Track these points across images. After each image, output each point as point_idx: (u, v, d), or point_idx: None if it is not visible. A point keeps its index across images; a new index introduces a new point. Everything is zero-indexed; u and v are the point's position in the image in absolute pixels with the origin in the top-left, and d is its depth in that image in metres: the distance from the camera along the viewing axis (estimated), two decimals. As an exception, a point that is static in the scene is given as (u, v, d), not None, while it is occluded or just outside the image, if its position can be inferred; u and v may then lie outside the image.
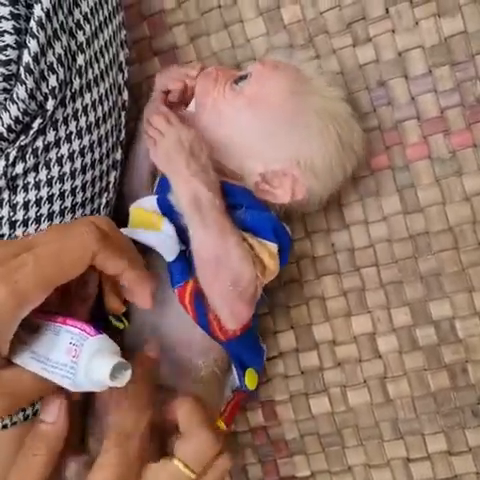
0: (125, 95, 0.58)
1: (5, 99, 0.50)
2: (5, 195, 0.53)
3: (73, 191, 0.54)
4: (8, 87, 0.49)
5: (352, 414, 0.61)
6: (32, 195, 0.53)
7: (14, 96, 0.49)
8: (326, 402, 0.62)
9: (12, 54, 0.49)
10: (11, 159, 0.51)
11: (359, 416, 0.61)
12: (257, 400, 0.64)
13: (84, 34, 0.53)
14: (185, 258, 0.51)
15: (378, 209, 0.59)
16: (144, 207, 0.54)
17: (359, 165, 0.56)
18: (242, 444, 0.65)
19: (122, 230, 0.50)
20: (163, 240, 0.51)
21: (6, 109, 0.50)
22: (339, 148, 0.53)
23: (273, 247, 0.51)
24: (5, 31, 0.49)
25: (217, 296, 0.50)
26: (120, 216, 0.60)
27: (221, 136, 0.54)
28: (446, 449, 0.58)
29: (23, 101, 0.49)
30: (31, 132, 0.51)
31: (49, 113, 0.51)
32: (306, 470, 0.63)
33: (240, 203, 0.53)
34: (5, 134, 0.50)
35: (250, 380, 0.56)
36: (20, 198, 0.53)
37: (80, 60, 0.52)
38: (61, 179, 0.53)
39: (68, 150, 0.53)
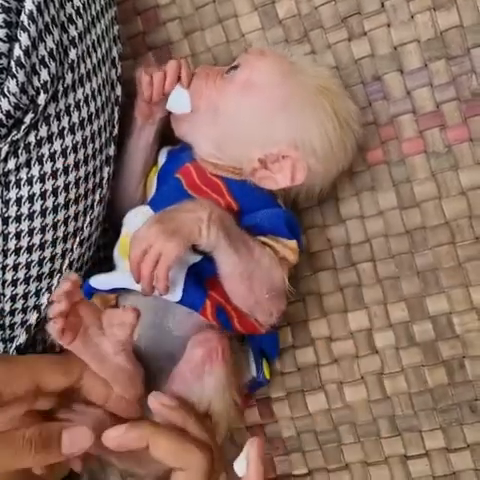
0: (118, 90, 0.57)
1: (-4, 93, 0.49)
2: (-3, 191, 0.52)
3: (66, 187, 0.54)
4: (-1, 81, 0.49)
5: (349, 411, 0.60)
6: (25, 191, 0.52)
7: (5, 90, 0.49)
8: (323, 399, 0.61)
9: (3, 47, 0.48)
10: (3, 154, 0.51)
11: (356, 413, 0.60)
12: (253, 398, 0.63)
13: (76, 28, 0.52)
14: (191, 285, 0.50)
15: (374, 204, 0.59)
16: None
17: (357, 145, 0.55)
18: (239, 442, 0.64)
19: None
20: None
21: (-3, 103, 0.49)
22: (336, 124, 0.52)
23: (293, 243, 0.52)
24: (-4, 25, 0.48)
25: (255, 305, 0.51)
26: (113, 213, 0.59)
27: (219, 131, 0.54)
28: (444, 446, 0.58)
29: (14, 95, 0.49)
30: (23, 127, 0.50)
31: (41, 108, 0.50)
32: (303, 468, 0.62)
33: (247, 201, 0.53)
34: (-4, 129, 0.50)
35: (267, 369, 0.57)
36: (13, 194, 0.52)
37: (72, 54, 0.52)
38: (54, 175, 0.53)
39: (61, 146, 0.52)
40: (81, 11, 0.53)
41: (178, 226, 0.46)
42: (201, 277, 0.50)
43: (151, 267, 0.46)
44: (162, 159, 0.60)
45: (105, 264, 0.60)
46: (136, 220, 0.55)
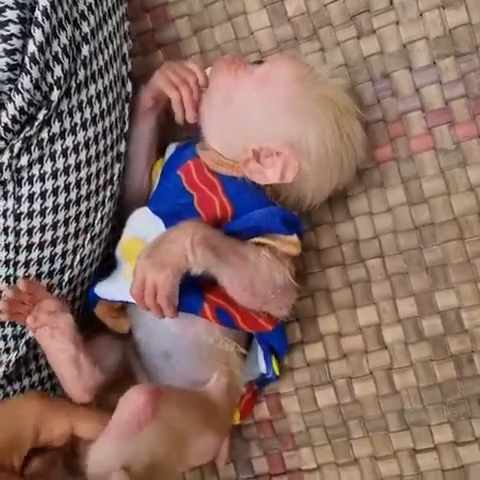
0: (129, 87, 0.58)
1: (10, 89, 0.49)
2: (10, 187, 0.52)
3: (78, 183, 0.54)
4: (13, 77, 0.49)
5: (358, 406, 0.61)
6: (37, 187, 0.53)
7: (19, 86, 0.49)
8: (332, 394, 0.61)
9: (17, 43, 0.48)
10: (16, 151, 0.51)
11: (365, 408, 0.61)
12: (262, 393, 0.64)
13: (88, 25, 0.52)
14: (187, 292, 0.50)
15: (383, 200, 0.59)
16: (140, 236, 0.55)
17: (357, 164, 0.56)
18: (247, 437, 0.64)
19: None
20: None
21: (11, 99, 0.49)
22: (336, 135, 0.53)
23: (293, 238, 0.52)
24: (10, 20, 0.48)
25: (263, 306, 0.52)
26: (121, 208, 0.59)
27: (225, 117, 0.54)
28: (452, 439, 0.59)
29: (28, 91, 0.49)
30: (36, 123, 0.50)
31: (54, 104, 0.50)
32: (312, 463, 0.62)
33: (241, 201, 0.53)
34: (10, 125, 0.50)
35: (276, 366, 0.58)
36: (25, 190, 0.53)
37: (85, 51, 0.52)
38: (66, 171, 0.53)
39: (73, 142, 0.53)
40: (93, 7, 0.53)
41: (165, 258, 0.48)
42: (198, 282, 0.51)
43: (152, 299, 0.49)
44: (169, 153, 0.60)
45: (113, 260, 0.60)
46: (139, 220, 0.57)
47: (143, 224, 0.56)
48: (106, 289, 0.55)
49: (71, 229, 0.55)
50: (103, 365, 0.55)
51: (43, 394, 0.52)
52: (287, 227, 0.52)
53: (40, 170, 0.52)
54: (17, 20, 0.48)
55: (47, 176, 0.52)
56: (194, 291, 0.51)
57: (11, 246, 0.54)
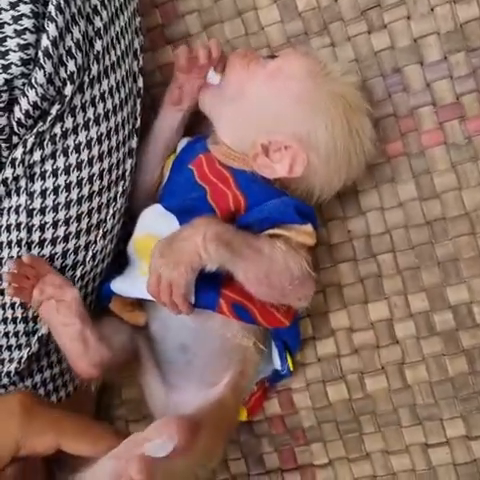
0: (140, 82, 0.57)
1: (23, 84, 0.49)
2: (22, 183, 0.52)
3: (90, 179, 0.54)
4: (26, 72, 0.49)
5: (370, 401, 0.61)
6: (50, 183, 0.52)
7: (32, 81, 0.49)
8: (343, 389, 0.61)
9: (30, 38, 0.48)
10: (29, 146, 0.51)
11: (377, 402, 0.61)
12: (273, 389, 0.64)
13: (101, 20, 0.52)
14: (203, 288, 0.51)
15: (394, 195, 0.59)
16: (154, 233, 0.55)
17: (366, 160, 0.56)
18: (259, 433, 0.64)
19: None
20: None
21: (24, 94, 0.49)
22: (345, 130, 0.53)
23: (307, 227, 0.52)
24: (23, 15, 0.48)
25: (282, 298, 0.52)
26: (131, 204, 0.59)
27: (237, 110, 0.55)
28: (464, 433, 0.59)
29: (41, 86, 0.49)
30: (49, 118, 0.50)
31: (67, 99, 0.50)
32: (324, 458, 0.62)
33: (254, 193, 0.53)
34: (23, 120, 0.50)
35: (290, 361, 0.58)
36: (37, 186, 0.52)
37: (98, 46, 0.52)
38: (78, 167, 0.53)
39: (86, 137, 0.52)
40: (105, 2, 0.53)
41: (178, 256, 0.49)
42: (215, 277, 0.51)
43: (167, 296, 0.49)
44: (180, 148, 0.61)
45: (123, 257, 0.60)
46: (151, 217, 0.57)
47: (156, 221, 0.56)
48: (123, 286, 0.55)
49: (83, 225, 0.55)
50: (110, 343, 0.54)
51: (30, 402, 0.49)
52: (301, 217, 0.52)
53: (53, 165, 0.52)
54: (31, 14, 0.48)
55: (60, 172, 0.52)
56: (210, 287, 0.51)
57: (23, 242, 0.54)
